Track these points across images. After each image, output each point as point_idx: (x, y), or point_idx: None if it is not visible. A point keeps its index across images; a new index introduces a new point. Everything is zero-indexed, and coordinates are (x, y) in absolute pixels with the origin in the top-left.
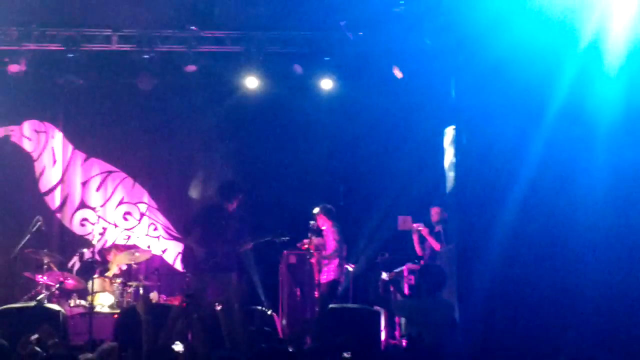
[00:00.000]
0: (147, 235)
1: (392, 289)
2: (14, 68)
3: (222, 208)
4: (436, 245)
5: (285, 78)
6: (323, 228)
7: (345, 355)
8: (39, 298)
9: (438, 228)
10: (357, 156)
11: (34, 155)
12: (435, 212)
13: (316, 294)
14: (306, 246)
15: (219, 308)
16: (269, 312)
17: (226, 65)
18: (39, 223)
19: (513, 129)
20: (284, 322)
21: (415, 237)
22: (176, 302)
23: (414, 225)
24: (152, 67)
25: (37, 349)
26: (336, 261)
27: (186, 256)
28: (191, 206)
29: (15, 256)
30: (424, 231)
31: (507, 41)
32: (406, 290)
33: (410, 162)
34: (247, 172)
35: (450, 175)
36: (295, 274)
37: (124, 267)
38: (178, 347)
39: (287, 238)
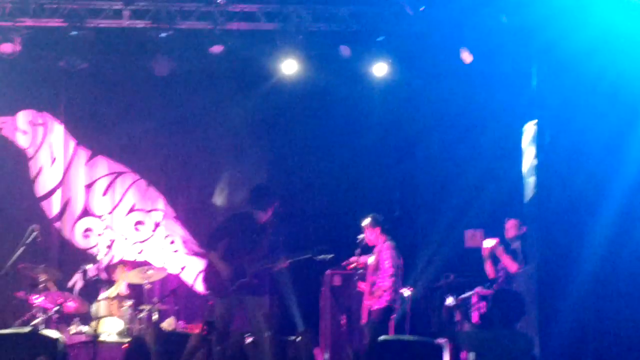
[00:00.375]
0: (162, 249)
1: (458, 317)
2: (6, 48)
3: (253, 218)
4: (512, 266)
5: (329, 62)
6: (373, 244)
7: None
8: (33, 323)
9: (515, 245)
10: (416, 157)
11: (30, 152)
12: (511, 226)
13: (363, 321)
14: (353, 265)
15: (248, 340)
16: (308, 344)
17: (259, 46)
18: (34, 233)
19: (606, 125)
20: (327, 356)
21: (486, 256)
22: (196, 330)
23: (486, 241)
24: (170, 48)
25: None
26: (390, 283)
27: (209, 275)
28: (216, 215)
29: (5, 272)
30: (498, 249)
31: (601, 21)
32: (475, 320)
33: (481, 165)
34: (282, 175)
35: (530, 181)
36: (339, 298)
37: (129, 287)
38: None
39: (331, 256)
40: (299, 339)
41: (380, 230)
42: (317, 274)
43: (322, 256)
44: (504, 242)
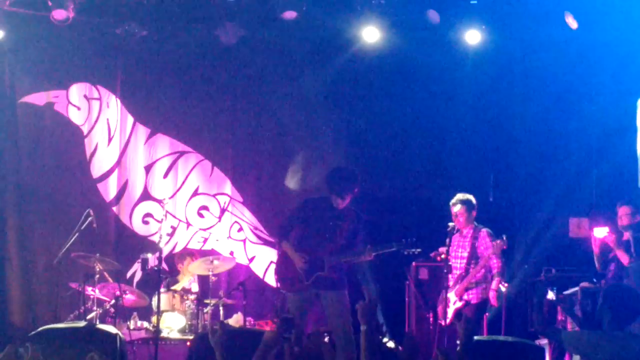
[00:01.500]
0: (229, 237)
1: (560, 315)
2: (59, 15)
3: (330, 204)
4: (625, 259)
5: (415, 29)
6: (465, 230)
7: None
8: (89, 317)
9: (627, 235)
10: (514, 135)
11: (84, 129)
12: (624, 213)
13: (449, 321)
14: (443, 256)
15: (326, 339)
16: (392, 345)
17: (336, 11)
18: (89, 219)
19: None
20: None
21: (596, 247)
22: (267, 328)
23: (596, 230)
24: (238, 14)
25: None
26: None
27: (281, 267)
28: (288, 200)
29: (59, 262)
30: (610, 239)
31: None
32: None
33: (589, 144)
34: (361, 155)
35: None
36: (426, 293)
37: (195, 280)
38: None
39: (419, 250)
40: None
41: (475, 215)
42: (401, 267)
43: (410, 249)
44: (616, 232)
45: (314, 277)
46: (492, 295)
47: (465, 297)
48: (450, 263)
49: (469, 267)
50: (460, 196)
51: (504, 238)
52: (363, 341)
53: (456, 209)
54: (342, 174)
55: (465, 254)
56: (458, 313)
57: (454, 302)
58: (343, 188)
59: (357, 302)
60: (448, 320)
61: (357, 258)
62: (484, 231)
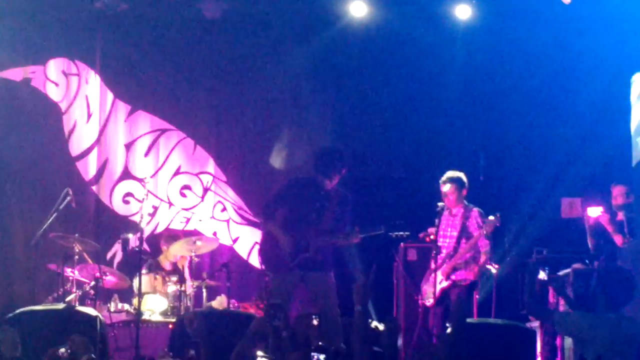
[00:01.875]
0: (212, 217)
1: (552, 297)
2: None
3: (317, 185)
4: (618, 239)
5: (403, 3)
6: (455, 209)
7: None
8: (68, 299)
9: (621, 215)
10: (505, 114)
11: (62, 106)
12: (619, 193)
13: (432, 302)
14: (432, 237)
15: (315, 322)
16: (380, 327)
17: None
18: (68, 198)
19: None
20: (400, 340)
21: (589, 228)
22: (251, 310)
23: (590, 210)
24: None
25: None
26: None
27: (266, 248)
28: (273, 179)
29: (36, 242)
30: (604, 219)
31: None
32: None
33: (581, 122)
34: (348, 134)
35: (639, 141)
36: (415, 275)
37: (180, 261)
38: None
39: (407, 234)
40: (382, 327)
41: (465, 194)
42: (390, 249)
43: (397, 233)
44: (610, 212)
45: (299, 258)
46: (475, 270)
47: (452, 277)
48: (439, 243)
49: (458, 246)
50: (450, 174)
51: (498, 215)
52: (357, 321)
53: (446, 187)
54: (329, 154)
55: (455, 234)
56: (444, 293)
57: (439, 282)
58: (330, 168)
59: (344, 284)
60: (433, 301)
61: (344, 240)
62: (475, 211)
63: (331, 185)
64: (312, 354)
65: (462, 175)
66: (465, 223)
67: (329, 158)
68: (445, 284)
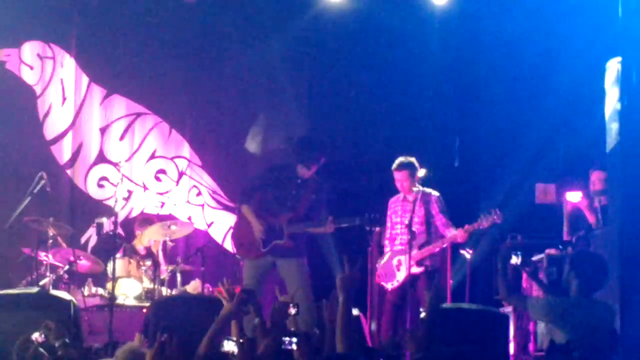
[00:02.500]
0: (187, 202)
1: (526, 282)
2: None
3: (295, 173)
4: (596, 225)
5: None
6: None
7: None
8: (41, 283)
9: (599, 201)
10: (481, 100)
11: (37, 89)
12: (597, 178)
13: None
14: (407, 222)
15: (292, 311)
16: (355, 313)
17: None
18: (42, 182)
19: None
20: (374, 326)
21: (567, 213)
22: (225, 296)
23: (569, 194)
24: None
25: (42, 350)
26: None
27: (239, 232)
28: (248, 164)
29: (10, 226)
30: (583, 204)
31: None
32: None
33: (556, 108)
34: (324, 120)
35: (613, 127)
36: None
37: (154, 245)
38: (228, 346)
39: (381, 227)
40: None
41: (417, 179)
42: (364, 238)
43: (372, 226)
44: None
45: (271, 244)
46: (438, 257)
47: (427, 262)
48: (395, 230)
49: (427, 231)
50: (402, 160)
51: (498, 212)
52: (341, 312)
53: (400, 174)
54: (309, 143)
55: (418, 219)
56: (413, 278)
57: (408, 267)
58: (309, 157)
59: (318, 271)
60: (397, 284)
61: (317, 229)
62: (434, 195)
63: (309, 174)
64: (284, 338)
65: (413, 159)
66: (428, 208)
67: (308, 147)
68: (417, 269)
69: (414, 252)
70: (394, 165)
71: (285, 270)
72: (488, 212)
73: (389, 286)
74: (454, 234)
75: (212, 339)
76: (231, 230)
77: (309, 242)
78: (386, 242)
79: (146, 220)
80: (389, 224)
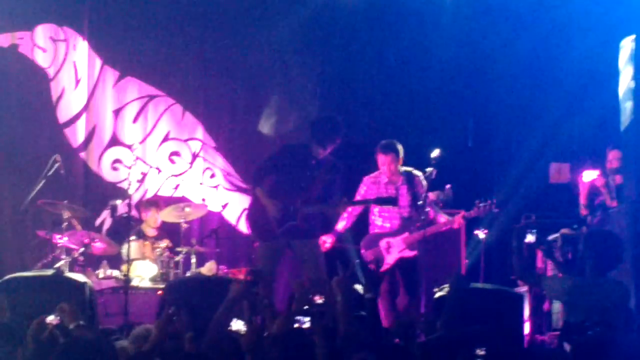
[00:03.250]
0: (201, 184)
1: (540, 262)
2: None
3: (309, 153)
4: (611, 202)
5: None
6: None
7: (479, 352)
8: (57, 266)
9: (618, 178)
10: (494, 80)
11: (50, 72)
12: (615, 157)
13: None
14: (420, 202)
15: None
16: (369, 295)
17: None
18: (56, 165)
19: None
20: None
21: (583, 191)
22: (240, 276)
23: (586, 173)
24: None
25: (57, 332)
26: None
27: (253, 214)
28: (262, 146)
29: (25, 209)
30: (600, 182)
31: None
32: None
33: (570, 87)
34: (336, 100)
35: (627, 106)
36: None
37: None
38: (237, 324)
39: (396, 207)
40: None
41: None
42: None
43: (385, 205)
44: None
45: (285, 226)
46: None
47: (417, 246)
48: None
49: (415, 213)
50: (388, 142)
51: (494, 201)
52: (339, 310)
53: (385, 157)
54: (326, 123)
55: (407, 202)
56: (404, 261)
57: (400, 250)
58: (326, 137)
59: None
60: (387, 266)
61: (332, 210)
62: (419, 176)
63: (324, 154)
64: (297, 317)
65: (396, 142)
66: (414, 190)
67: (325, 127)
68: (410, 253)
69: (405, 235)
70: (380, 147)
71: (300, 252)
72: (484, 201)
73: (375, 267)
74: (449, 219)
75: (221, 319)
76: (245, 212)
77: (324, 222)
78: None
79: (150, 202)
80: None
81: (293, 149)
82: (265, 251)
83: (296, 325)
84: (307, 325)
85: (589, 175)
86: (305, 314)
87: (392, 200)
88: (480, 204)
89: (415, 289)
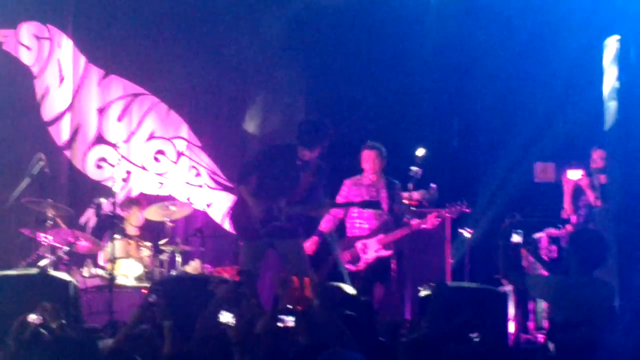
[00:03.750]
0: (186, 182)
1: (525, 261)
2: None
3: (295, 154)
4: (595, 201)
5: None
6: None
7: (472, 335)
8: (41, 264)
9: (602, 178)
10: (478, 78)
11: (35, 70)
12: (599, 156)
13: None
14: (406, 202)
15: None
16: (354, 293)
17: None
18: (40, 163)
19: None
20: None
21: (567, 190)
22: (225, 274)
23: (570, 172)
24: None
25: (42, 331)
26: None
27: (237, 213)
28: (247, 145)
29: (9, 207)
30: (584, 182)
31: None
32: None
33: (554, 87)
34: (321, 100)
35: (611, 105)
36: None
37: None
38: (225, 317)
39: (381, 211)
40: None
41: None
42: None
43: (371, 208)
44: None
45: (269, 226)
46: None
47: (393, 247)
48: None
49: (393, 218)
50: (375, 143)
51: (465, 202)
52: (318, 314)
53: (371, 153)
54: (313, 126)
55: (386, 206)
56: (380, 262)
57: (376, 250)
58: (312, 140)
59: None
60: (363, 266)
61: (315, 211)
62: (398, 185)
63: (310, 156)
64: (280, 316)
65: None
66: (392, 194)
67: (312, 130)
68: (384, 252)
69: (380, 236)
70: (367, 145)
71: (283, 251)
72: (455, 202)
73: (353, 267)
74: (420, 220)
75: (209, 318)
76: (229, 211)
77: (307, 223)
78: (329, 220)
79: (131, 201)
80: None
81: (278, 149)
82: (248, 251)
83: (280, 325)
84: (291, 324)
85: (573, 175)
86: (289, 313)
87: (376, 204)
88: (451, 206)
89: (391, 285)
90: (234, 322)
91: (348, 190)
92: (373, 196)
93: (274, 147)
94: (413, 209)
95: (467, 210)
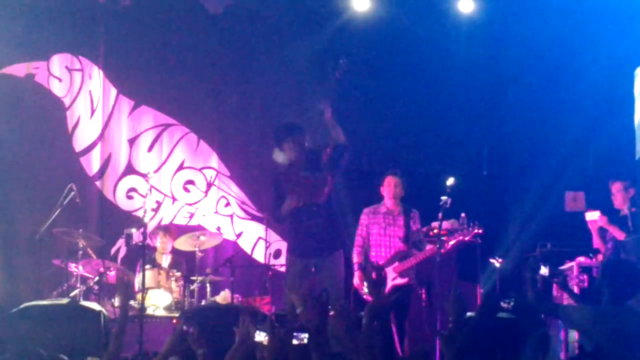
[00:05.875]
0: (216, 212)
1: (556, 291)
2: None
3: (298, 166)
4: (620, 235)
5: None
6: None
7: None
8: (72, 294)
9: (625, 210)
10: (508, 107)
11: (66, 101)
12: (617, 190)
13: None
14: (435, 231)
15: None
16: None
17: None
18: (72, 193)
19: None
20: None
21: (592, 229)
22: (256, 304)
23: (588, 214)
24: None
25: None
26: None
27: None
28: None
29: (40, 238)
30: (602, 221)
31: None
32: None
33: (585, 115)
34: (353, 128)
35: None
36: (419, 268)
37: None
38: (260, 336)
39: None
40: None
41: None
42: None
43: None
44: (611, 209)
45: (311, 242)
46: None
47: (410, 275)
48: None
49: (409, 246)
50: (395, 170)
51: (477, 224)
52: (335, 322)
53: (395, 180)
54: (281, 125)
55: (402, 234)
56: (396, 290)
57: (392, 279)
58: (278, 137)
59: None
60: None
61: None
62: (417, 214)
63: (290, 157)
64: (295, 333)
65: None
66: (408, 223)
67: (278, 128)
68: (401, 280)
69: (396, 264)
70: (389, 171)
71: (323, 269)
72: (467, 224)
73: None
74: (434, 246)
75: (240, 346)
76: (261, 241)
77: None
78: (360, 252)
79: (159, 228)
80: (365, 235)
81: (278, 170)
82: (297, 267)
83: (295, 342)
84: (305, 341)
85: (591, 216)
86: (303, 330)
87: None
88: (463, 228)
89: (407, 314)
90: (268, 340)
91: (367, 217)
92: (389, 222)
93: (276, 171)
94: (443, 238)
95: (480, 231)
